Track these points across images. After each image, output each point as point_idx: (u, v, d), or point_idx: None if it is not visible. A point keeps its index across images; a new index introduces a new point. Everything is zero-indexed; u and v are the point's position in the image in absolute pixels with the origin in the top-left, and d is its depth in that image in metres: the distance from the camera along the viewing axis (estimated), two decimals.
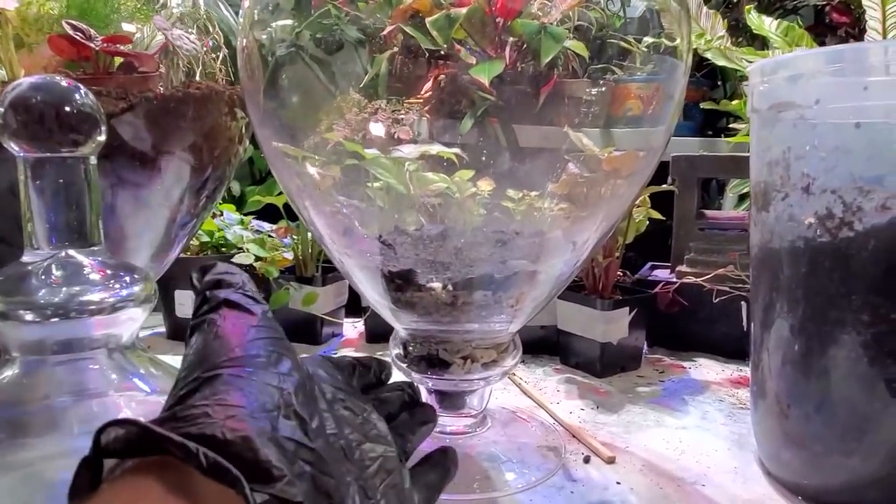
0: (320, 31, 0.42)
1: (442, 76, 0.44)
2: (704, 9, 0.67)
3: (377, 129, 0.44)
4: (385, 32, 0.43)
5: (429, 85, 0.44)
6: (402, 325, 0.39)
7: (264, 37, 0.39)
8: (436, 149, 0.45)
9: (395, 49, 0.43)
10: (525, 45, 0.46)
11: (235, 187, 1.18)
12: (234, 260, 0.61)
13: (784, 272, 0.35)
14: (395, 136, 0.43)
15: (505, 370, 0.41)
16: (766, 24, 0.68)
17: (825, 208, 0.32)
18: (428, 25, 0.42)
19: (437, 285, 0.35)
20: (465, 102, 0.45)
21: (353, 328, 0.68)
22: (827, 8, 1.37)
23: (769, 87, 0.35)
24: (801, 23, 1.41)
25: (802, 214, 0.33)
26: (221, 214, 0.66)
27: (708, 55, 0.66)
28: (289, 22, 0.39)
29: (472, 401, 0.42)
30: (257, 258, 0.61)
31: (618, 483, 0.38)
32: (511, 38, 0.46)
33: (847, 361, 0.33)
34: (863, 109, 0.30)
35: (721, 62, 0.66)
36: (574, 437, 0.44)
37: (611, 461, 0.40)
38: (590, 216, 0.44)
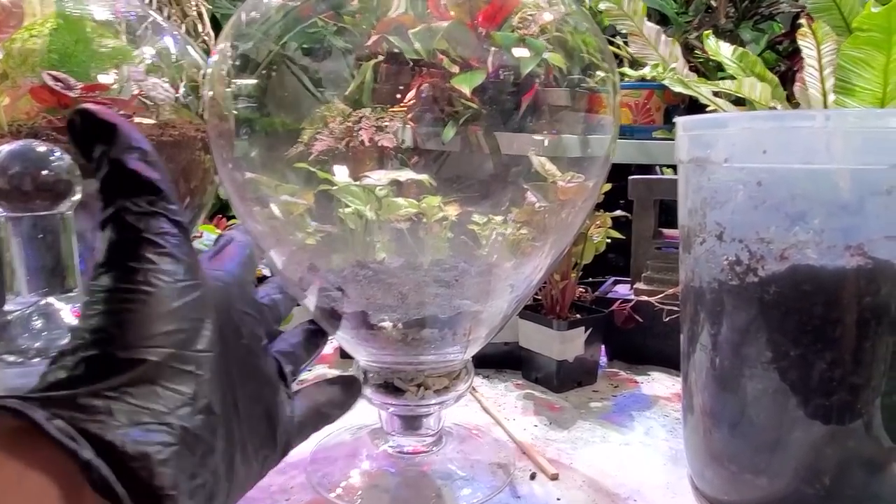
0: (307, 41, 0.45)
1: (425, 85, 0.47)
2: (663, 37, 0.70)
3: (341, 171, 0.47)
4: (369, 43, 0.45)
5: (412, 94, 0.47)
6: (360, 356, 0.43)
7: (229, 90, 0.42)
8: (405, 175, 0.48)
9: (381, 58, 0.46)
10: (506, 56, 0.48)
11: (222, 191, 1.21)
12: None
13: (702, 308, 0.38)
14: (379, 144, 0.45)
15: (458, 394, 0.45)
16: (721, 50, 0.71)
17: (735, 255, 0.35)
18: (410, 37, 0.45)
19: (387, 325, 0.39)
20: (448, 111, 0.47)
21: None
22: (801, 14, 1.40)
23: (690, 141, 0.38)
24: (778, 28, 1.43)
25: (717, 259, 0.37)
26: (201, 236, 0.70)
27: (666, 83, 0.69)
28: (252, 81, 0.41)
29: (429, 421, 0.45)
30: None
31: (558, 499, 0.41)
32: (493, 49, 0.48)
33: (755, 391, 0.36)
34: (763, 170, 0.33)
35: (678, 89, 0.69)
36: (524, 453, 0.47)
37: (554, 478, 0.44)
38: (540, 247, 0.47)
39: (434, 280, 0.40)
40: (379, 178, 0.48)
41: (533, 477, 0.44)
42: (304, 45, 0.45)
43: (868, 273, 0.32)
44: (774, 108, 0.64)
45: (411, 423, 0.45)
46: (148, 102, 0.52)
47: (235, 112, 0.42)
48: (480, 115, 0.47)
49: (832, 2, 0.67)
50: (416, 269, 0.44)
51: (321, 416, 0.33)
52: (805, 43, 0.56)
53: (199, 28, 0.81)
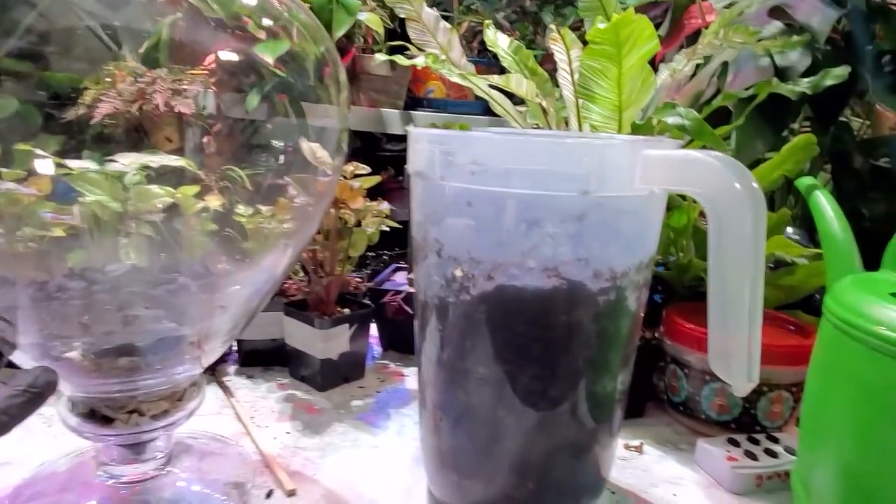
0: None
1: (227, 49, 0.41)
2: (442, 24, 0.69)
3: (44, 166, 0.40)
4: None
5: (213, 57, 0.42)
6: (61, 388, 0.37)
7: None
8: (159, 160, 0.43)
9: (179, 15, 0.40)
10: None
11: None
12: None
13: (429, 318, 0.38)
14: (175, 110, 0.40)
15: (189, 413, 0.41)
16: (499, 42, 0.71)
17: (451, 273, 0.36)
18: None
19: (74, 355, 0.34)
20: (253, 77, 0.43)
21: None
22: None
23: (414, 154, 0.37)
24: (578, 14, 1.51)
25: (437, 275, 0.36)
26: None
27: (444, 73, 0.68)
28: None
29: (156, 444, 0.42)
30: None
31: None
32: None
33: (471, 402, 0.37)
34: (471, 191, 0.33)
35: (454, 79, 0.69)
36: (267, 467, 0.45)
37: (291, 494, 0.42)
38: (286, 244, 0.45)
39: (139, 298, 0.36)
40: (128, 162, 0.42)
41: (269, 495, 0.42)
42: None
43: (563, 293, 0.34)
44: (540, 104, 0.66)
45: (134, 450, 0.41)
46: None
47: None
48: (286, 84, 0.44)
49: (598, 3, 0.70)
50: (135, 282, 0.39)
51: None
52: (556, 47, 0.58)
53: None
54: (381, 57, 0.69)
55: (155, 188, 0.43)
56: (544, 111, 0.64)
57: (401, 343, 0.66)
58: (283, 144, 0.45)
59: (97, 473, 0.41)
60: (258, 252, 0.45)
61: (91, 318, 0.33)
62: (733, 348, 0.32)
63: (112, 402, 0.37)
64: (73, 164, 0.40)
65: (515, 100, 0.66)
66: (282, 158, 0.45)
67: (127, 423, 0.38)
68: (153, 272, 0.41)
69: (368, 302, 0.61)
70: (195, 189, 0.43)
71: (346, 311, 0.59)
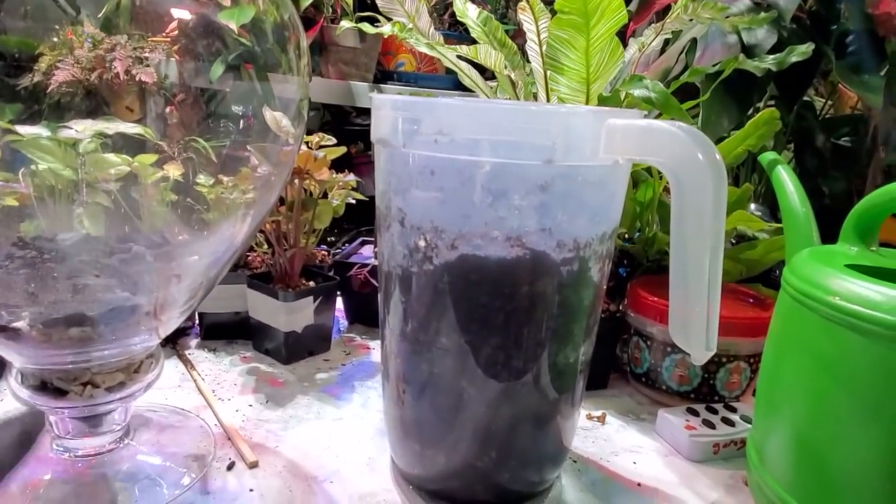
0: None
1: (192, 16, 0.40)
2: None
3: None
4: None
5: (175, 24, 0.40)
6: (11, 359, 0.36)
7: None
8: (115, 126, 0.41)
9: None
10: None
11: None
12: None
13: (393, 289, 0.38)
14: (137, 79, 0.38)
15: (146, 385, 0.40)
16: (468, 13, 0.70)
17: (414, 242, 0.35)
18: None
19: (21, 325, 0.33)
20: (217, 45, 0.42)
21: None
22: None
23: (377, 120, 0.36)
24: None
25: (400, 245, 0.36)
26: None
27: (411, 42, 0.67)
28: None
29: (113, 417, 0.41)
30: None
31: (251, 490, 0.39)
32: None
33: (433, 376, 0.37)
34: (435, 160, 0.33)
35: (422, 49, 0.67)
36: (229, 439, 0.45)
37: (253, 466, 0.42)
38: (244, 214, 0.44)
39: (89, 267, 0.35)
40: (82, 129, 0.41)
41: (231, 467, 0.42)
42: None
43: (526, 263, 0.34)
44: (509, 77, 0.66)
45: (90, 423, 0.40)
46: None
47: None
48: (251, 53, 0.42)
49: None
50: (87, 251, 0.38)
51: None
52: (525, 17, 0.58)
53: None
54: (346, 24, 0.67)
55: (111, 156, 0.42)
56: (513, 84, 0.63)
57: (367, 316, 0.66)
58: (246, 113, 0.44)
59: (52, 447, 0.40)
60: (218, 222, 0.44)
61: (38, 287, 0.32)
62: (693, 317, 0.32)
63: (65, 373, 0.36)
64: (22, 130, 0.39)
65: (486, 75, 0.66)
66: (244, 127, 0.44)
67: (81, 395, 0.37)
68: (108, 241, 0.40)
69: (333, 275, 0.61)
70: (153, 158, 0.42)
71: (311, 283, 0.58)
